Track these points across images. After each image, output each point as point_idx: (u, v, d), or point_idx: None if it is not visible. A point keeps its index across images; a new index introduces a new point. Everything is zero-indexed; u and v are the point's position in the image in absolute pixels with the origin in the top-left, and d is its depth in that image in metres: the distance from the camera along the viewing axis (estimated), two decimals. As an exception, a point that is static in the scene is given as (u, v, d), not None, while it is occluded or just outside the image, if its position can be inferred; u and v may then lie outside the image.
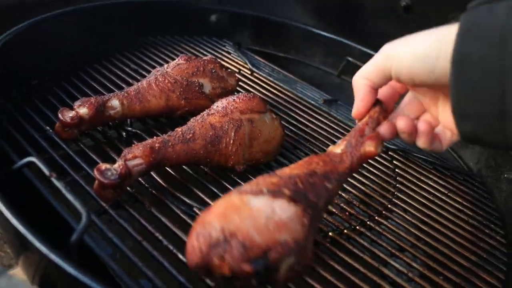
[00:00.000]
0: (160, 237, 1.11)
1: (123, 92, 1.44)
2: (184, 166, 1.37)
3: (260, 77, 2.00)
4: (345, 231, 1.31)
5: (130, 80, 1.74)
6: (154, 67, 1.80)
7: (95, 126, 1.42)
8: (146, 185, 1.29)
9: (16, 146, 1.30)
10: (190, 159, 1.28)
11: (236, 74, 1.71)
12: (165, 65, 1.57)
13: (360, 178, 1.55)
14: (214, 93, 1.56)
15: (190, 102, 1.51)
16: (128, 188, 1.24)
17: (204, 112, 1.37)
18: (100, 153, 1.35)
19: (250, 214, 0.90)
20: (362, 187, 1.51)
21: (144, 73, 1.82)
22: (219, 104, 1.38)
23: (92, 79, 1.72)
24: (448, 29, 0.89)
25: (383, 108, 1.14)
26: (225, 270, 0.85)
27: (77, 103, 1.38)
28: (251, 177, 1.42)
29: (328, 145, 1.44)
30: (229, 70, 1.67)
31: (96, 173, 1.14)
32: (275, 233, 0.87)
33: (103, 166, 1.16)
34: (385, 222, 1.39)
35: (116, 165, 1.16)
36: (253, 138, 1.35)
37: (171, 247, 1.08)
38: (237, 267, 0.83)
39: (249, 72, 2.01)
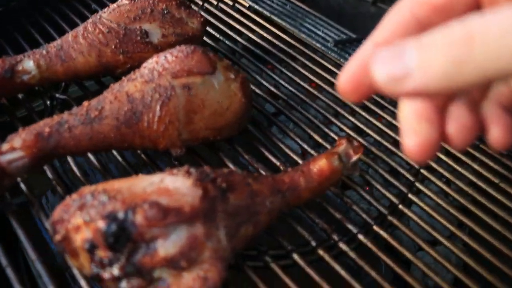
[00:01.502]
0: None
1: (40, 50, 1.11)
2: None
3: (256, 13, 1.55)
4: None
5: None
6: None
7: (7, 95, 1.12)
8: (49, 175, 0.99)
9: None
10: (98, 146, 0.94)
11: (226, 11, 1.29)
12: (103, 10, 1.19)
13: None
14: (165, 42, 1.17)
15: (132, 56, 1.15)
16: (22, 183, 0.95)
17: (126, 76, 1.00)
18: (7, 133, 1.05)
19: (135, 180, 0.81)
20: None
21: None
22: (147, 65, 1.01)
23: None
24: None
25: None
26: (80, 226, 0.74)
27: (-21, 68, 1.08)
28: (200, 160, 1.06)
29: (328, 112, 1.05)
30: (192, 9, 1.25)
31: (-46, 175, 0.85)
32: (152, 195, 0.77)
33: (-35, 164, 0.87)
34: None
35: (-18, 163, 0.87)
36: (192, 111, 0.98)
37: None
38: (90, 221, 0.74)
39: (246, 5, 1.57)
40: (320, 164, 0.96)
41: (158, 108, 0.95)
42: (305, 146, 1.17)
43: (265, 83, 1.36)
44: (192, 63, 0.98)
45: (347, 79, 0.52)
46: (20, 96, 1.18)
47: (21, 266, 1.09)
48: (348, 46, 1.44)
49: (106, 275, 0.76)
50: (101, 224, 0.73)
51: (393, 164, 1.17)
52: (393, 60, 0.42)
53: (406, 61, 0.42)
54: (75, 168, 1.02)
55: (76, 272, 0.83)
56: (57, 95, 1.18)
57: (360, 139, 1.20)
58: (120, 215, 0.74)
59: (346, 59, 1.40)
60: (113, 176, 1.00)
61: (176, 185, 0.81)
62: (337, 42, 1.42)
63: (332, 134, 1.21)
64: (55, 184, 0.99)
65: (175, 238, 0.75)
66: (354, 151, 1.03)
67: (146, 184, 0.80)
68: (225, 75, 1.02)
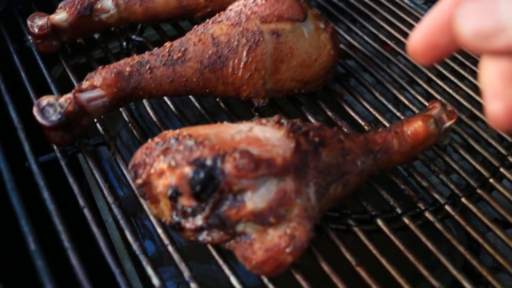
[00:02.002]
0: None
1: (119, -12, 1.06)
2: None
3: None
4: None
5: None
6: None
7: (85, 35, 1.08)
8: (125, 118, 0.95)
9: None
10: (178, 89, 0.89)
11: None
12: None
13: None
14: (250, -15, 1.09)
15: (213, 0, 1.08)
16: (98, 124, 0.92)
17: (211, 18, 0.94)
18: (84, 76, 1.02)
19: (221, 127, 0.76)
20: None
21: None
22: (234, 7, 0.94)
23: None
24: None
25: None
26: (164, 171, 0.70)
27: (60, 4, 1.04)
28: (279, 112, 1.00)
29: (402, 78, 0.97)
30: None
31: (34, 111, 0.82)
32: (241, 143, 0.71)
33: (45, 99, 0.83)
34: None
35: (62, 99, 0.83)
36: (279, 60, 0.91)
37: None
38: (176, 167, 0.69)
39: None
40: (415, 127, 0.88)
41: (244, 53, 0.88)
42: (375, 113, 1.08)
43: (341, 32, 1.28)
44: (282, 8, 0.91)
45: (420, 37, 0.46)
46: (96, 36, 1.13)
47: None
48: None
49: (187, 225, 0.71)
50: (188, 170, 0.68)
51: (480, 132, 1.07)
52: (482, 14, 0.38)
53: (498, 16, 0.37)
54: (151, 112, 0.98)
55: (152, 219, 0.79)
56: (133, 37, 1.13)
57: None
58: (209, 162, 0.69)
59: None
60: (190, 123, 0.95)
61: (266, 135, 0.75)
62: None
63: (406, 102, 1.12)
64: (131, 127, 0.94)
65: (264, 192, 0.70)
66: (448, 117, 0.94)
67: (234, 131, 0.75)
68: (315, 24, 0.94)
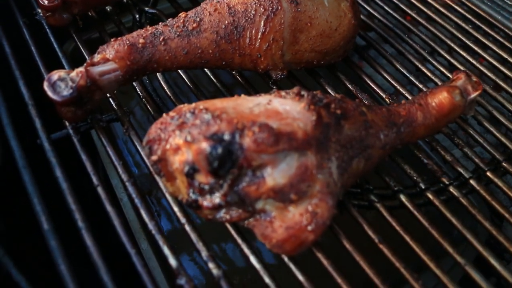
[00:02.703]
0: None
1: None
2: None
3: None
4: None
5: None
6: None
7: (96, 6, 1.04)
8: (138, 93, 0.92)
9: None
10: (193, 61, 0.86)
11: None
12: None
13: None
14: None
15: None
16: (111, 99, 0.89)
17: (226, -13, 0.90)
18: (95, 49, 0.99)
19: (238, 100, 0.73)
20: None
21: None
22: (250, -25, 0.90)
23: None
24: None
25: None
26: (180, 146, 0.67)
27: (69, -26, 1.00)
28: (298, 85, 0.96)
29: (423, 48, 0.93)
30: None
31: (45, 86, 0.79)
32: (260, 116, 0.68)
33: (56, 74, 0.80)
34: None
35: (74, 73, 0.80)
36: (298, 30, 0.87)
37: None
38: (192, 142, 0.66)
39: None
40: (440, 98, 0.84)
41: (262, 23, 0.85)
42: (396, 84, 1.04)
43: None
44: (301, -27, 0.86)
45: None
46: (108, 9, 1.09)
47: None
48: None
49: (205, 203, 0.69)
50: (205, 145, 0.65)
51: (505, 103, 1.03)
52: None
53: None
54: (165, 86, 0.95)
55: (168, 197, 0.76)
56: (146, 8, 1.09)
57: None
58: (226, 136, 0.66)
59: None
60: (206, 97, 0.92)
61: (286, 107, 0.71)
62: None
63: (428, 73, 1.07)
64: (145, 102, 0.92)
65: (284, 167, 0.67)
66: (473, 87, 0.90)
67: (252, 104, 0.72)
68: (335, -9, 0.90)
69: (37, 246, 0.75)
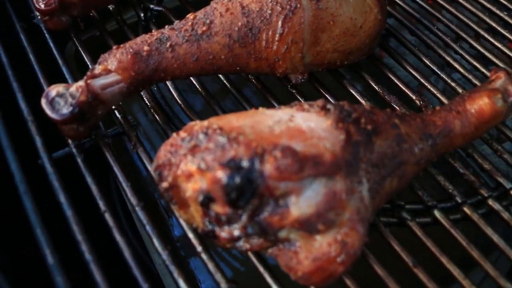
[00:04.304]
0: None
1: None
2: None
3: None
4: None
5: None
6: None
7: (97, 7, 0.97)
8: (147, 103, 0.85)
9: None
10: (204, 68, 0.78)
11: None
12: None
13: None
14: None
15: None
16: (116, 111, 0.82)
17: (239, -16, 0.81)
18: (99, 51, 0.91)
19: (256, 117, 0.65)
20: None
21: None
22: (265, -30, 0.81)
23: None
24: None
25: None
26: (193, 173, 0.60)
27: (67, -28, 0.92)
28: (322, 89, 0.88)
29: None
30: None
31: (43, 103, 0.72)
32: (282, 137, 0.61)
33: (55, 89, 0.73)
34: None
35: (73, 88, 0.73)
36: (320, 30, 0.79)
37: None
38: (207, 170, 0.59)
39: None
40: (480, 104, 0.75)
41: (279, 24, 0.76)
42: (418, 76, 0.95)
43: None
44: (322, -33, 0.78)
45: None
46: (110, 7, 1.01)
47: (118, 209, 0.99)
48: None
49: (223, 234, 0.62)
50: (221, 174, 0.58)
51: None
52: None
53: None
54: (175, 94, 0.87)
55: (182, 223, 0.70)
56: (151, 6, 1.01)
57: (484, 71, 0.96)
58: (245, 163, 0.58)
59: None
60: (221, 107, 0.85)
61: (310, 125, 0.64)
62: None
63: (453, 62, 0.98)
64: (153, 112, 0.84)
65: (311, 194, 0.60)
66: None
67: (272, 122, 0.64)
68: (359, -16, 0.81)
69: (41, 278, 0.69)
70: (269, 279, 0.68)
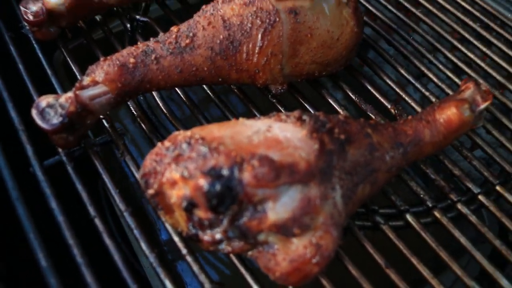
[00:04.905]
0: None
1: (119, -36, 0.97)
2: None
3: None
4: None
5: None
6: None
7: (84, 18, 1.00)
8: (133, 111, 0.88)
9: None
10: (188, 80, 0.82)
11: None
12: None
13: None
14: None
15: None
16: (104, 120, 0.85)
17: (220, -2, 0.85)
18: (86, 59, 0.94)
19: (236, 127, 0.70)
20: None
21: None
22: (245, -15, 0.85)
23: None
24: None
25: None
26: (177, 181, 0.64)
27: (55, -15, 0.96)
28: (301, 99, 0.93)
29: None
30: None
31: (33, 114, 0.76)
32: (259, 147, 0.65)
33: (44, 100, 0.77)
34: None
35: (63, 99, 0.76)
36: (298, 42, 0.83)
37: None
38: (189, 178, 0.63)
39: None
40: (448, 114, 0.80)
41: (259, 37, 0.80)
42: (394, 87, 0.99)
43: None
44: (300, -17, 0.82)
45: None
46: (97, 18, 1.05)
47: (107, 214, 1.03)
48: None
49: (205, 237, 0.66)
50: (202, 182, 0.62)
51: (503, 119, 0.98)
52: None
53: None
54: (160, 103, 0.91)
55: (168, 227, 0.74)
56: (137, 16, 1.04)
57: (457, 81, 1.02)
58: (225, 172, 0.62)
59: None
60: (205, 117, 0.89)
61: (287, 135, 0.68)
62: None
63: (429, 73, 1.03)
64: (140, 121, 0.88)
65: (287, 200, 0.64)
66: (482, 98, 0.86)
67: (251, 132, 0.68)
68: (336, -2, 0.86)
69: (35, 281, 0.73)
70: (250, 280, 0.73)
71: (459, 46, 1.09)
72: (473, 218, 0.83)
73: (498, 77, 1.04)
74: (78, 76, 0.92)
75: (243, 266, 0.74)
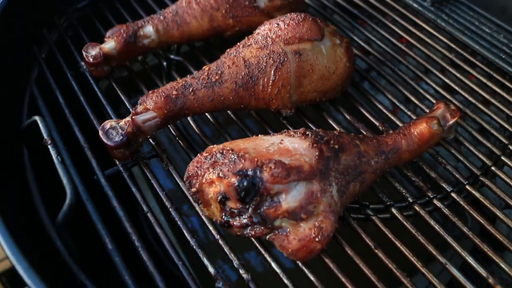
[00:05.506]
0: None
1: (158, 16, 1.22)
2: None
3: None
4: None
5: None
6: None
7: (130, 59, 1.24)
8: (173, 133, 1.11)
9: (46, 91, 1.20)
10: (217, 107, 1.05)
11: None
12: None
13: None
14: (272, 6, 1.24)
15: (241, 20, 1.23)
16: (150, 139, 1.08)
17: (241, 42, 1.09)
18: (130, 91, 1.18)
19: (256, 141, 0.92)
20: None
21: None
22: (260, 31, 1.09)
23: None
24: None
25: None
26: (214, 181, 0.86)
27: (108, 34, 1.20)
28: (306, 120, 1.15)
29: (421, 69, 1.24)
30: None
31: (100, 134, 0.99)
32: (274, 154, 0.87)
33: (108, 123, 1.00)
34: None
35: (122, 122, 1.00)
36: (302, 76, 1.06)
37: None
38: (223, 178, 0.85)
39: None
40: (420, 128, 1.02)
41: (272, 72, 1.04)
42: (396, 102, 1.23)
43: (356, 39, 1.42)
44: (303, 30, 1.05)
45: None
46: (139, 58, 1.29)
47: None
48: (445, 5, 1.45)
49: (235, 223, 0.88)
50: (234, 180, 0.84)
51: (483, 124, 1.21)
52: None
53: None
54: (193, 125, 1.14)
55: (204, 219, 0.95)
56: (172, 56, 1.29)
57: (449, 97, 1.25)
58: (250, 172, 0.84)
59: (442, 19, 1.41)
60: (229, 134, 1.11)
61: (294, 146, 0.90)
62: (434, 1, 1.43)
63: (422, 91, 1.26)
64: (178, 140, 1.11)
65: (295, 193, 0.86)
66: (451, 115, 1.08)
67: (267, 144, 0.91)
68: (331, 41, 1.09)
69: (103, 262, 0.94)
70: (268, 258, 0.93)
71: (448, 68, 1.32)
72: (446, 211, 1.04)
73: (474, 101, 1.26)
74: (125, 102, 1.16)
75: (262, 247, 0.94)
